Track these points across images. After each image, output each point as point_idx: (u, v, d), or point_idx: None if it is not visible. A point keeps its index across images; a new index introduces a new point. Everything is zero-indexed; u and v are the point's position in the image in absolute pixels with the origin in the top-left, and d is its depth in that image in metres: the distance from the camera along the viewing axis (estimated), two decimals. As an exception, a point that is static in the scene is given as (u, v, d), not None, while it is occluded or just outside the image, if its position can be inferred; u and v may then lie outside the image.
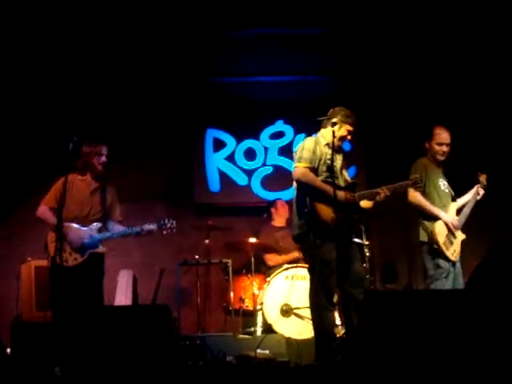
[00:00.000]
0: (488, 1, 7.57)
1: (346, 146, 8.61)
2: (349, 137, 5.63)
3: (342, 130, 5.58)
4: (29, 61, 8.12)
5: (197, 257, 7.55)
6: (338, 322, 6.84)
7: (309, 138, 5.67)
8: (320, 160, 5.47)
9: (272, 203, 8.15)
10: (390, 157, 8.55)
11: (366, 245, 7.44)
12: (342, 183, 5.55)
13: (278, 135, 8.93)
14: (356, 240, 7.27)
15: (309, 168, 5.41)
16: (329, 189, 5.30)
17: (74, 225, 5.77)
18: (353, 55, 8.53)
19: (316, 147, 5.50)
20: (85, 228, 5.82)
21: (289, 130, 8.88)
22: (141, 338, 4.40)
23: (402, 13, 7.76)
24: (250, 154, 8.88)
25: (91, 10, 7.51)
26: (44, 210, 5.88)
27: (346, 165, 5.82)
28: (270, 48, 8.37)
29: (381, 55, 8.48)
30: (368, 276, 7.38)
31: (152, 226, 5.97)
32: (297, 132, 8.78)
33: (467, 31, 8.03)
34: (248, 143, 8.89)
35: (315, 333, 5.46)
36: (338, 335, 6.47)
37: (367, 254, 7.42)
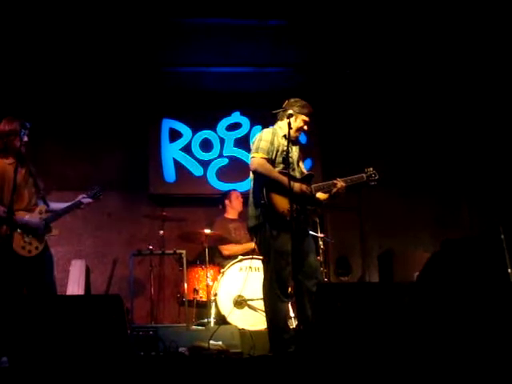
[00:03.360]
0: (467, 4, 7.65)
1: (302, 139, 8.69)
2: (305, 127, 5.64)
3: (299, 121, 5.58)
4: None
5: (151, 247, 7.50)
6: (291, 313, 6.87)
7: (266, 129, 5.67)
8: (277, 151, 5.47)
9: (226, 194, 8.11)
10: (345, 149, 8.62)
11: (321, 237, 7.48)
12: (298, 175, 5.55)
13: (235, 126, 8.92)
14: (311, 232, 7.33)
15: (266, 159, 5.41)
16: (285, 180, 5.26)
17: (26, 213, 5.56)
18: (310, 47, 8.52)
19: (274, 138, 5.50)
20: (34, 214, 5.60)
21: (245, 122, 8.87)
22: (93, 328, 4.35)
23: (359, 3, 7.77)
24: (206, 145, 8.85)
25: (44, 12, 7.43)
26: None
27: (302, 156, 5.83)
28: (228, 38, 8.32)
29: (337, 46, 8.48)
30: (322, 268, 7.42)
31: (89, 199, 5.81)
32: (253, 124, 8.78)
33: (433, 19, 8.07)
34: (204, 134, 8.86)
35: (268, 324, 5.47)
36: (291, 327, 6.51)
37: (321, 247, 7.47)
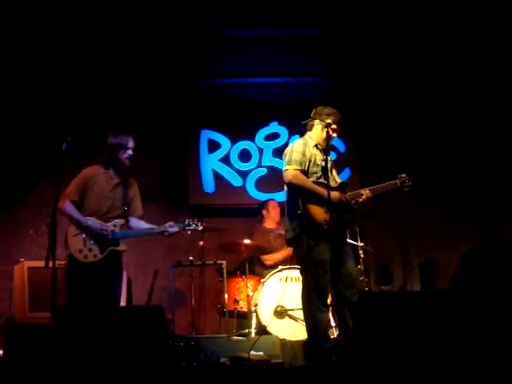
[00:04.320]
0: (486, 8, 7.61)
1: (341, 148, 8.68)
2: (334, 135, 5.60)
3: (326, 131, 5.56)
4: (24, 61, 8.10)
5: (191, 258, 7.54)
6: (332, 323, 6.83)
7: (297, 140, 5.71)
8: (310, 161, 5.47)
9: (263, 205, 8.09)
10: (384, 158, 8.56)
11: (361, 246, 7.43)
12: (332, 184, 5.49)
13: (273, 136, 8.92)
14: (350, 241, 7.28)
15: (299, 170, 5.42)
16: (320, 190, 5.31)
17: (96, 220, 5.56)
18: (348, 56, 8.55)
19: (305, 149, 5.50)
20: (108, 224, 5.60)
21: (283, 132, 8.87)
22: (135, 340, 4.38)
23: (397, 15, 7.77)
24: (245, 155, 8.87)
25: (85, 12, 7.51)
26: (67, 205, 5.55)
27: (335, 165, 5.81)
28: (266, 48, 8.38)
29: (376, 57, 8.50)
30: (362, 278, 7.37)
31: (175, 228, 5.77)
32: (291, 133, 8.77)
33: (461, 35, 8.06)
34: (243, 144, 8.88)
35: (308, 334, 5.47)
36: (332, 336, 6.47)
37: (361, 256, 7.42)
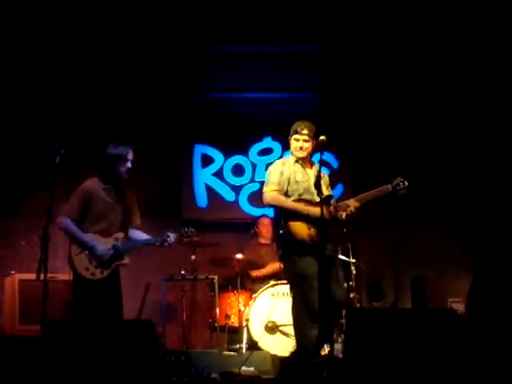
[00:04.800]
0: (473, 19, 7.68)
1: (333, 164, 8.71)
2: (300, 144, 5.53)
3: (292, 144, 5.58)
4: (18, 72, 8.12)
5: (183, 272, 7.54)
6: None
7: (276, 161, 5.78)
8: (289, 179, 5.49)
9: (256, 221, 8.11)
10: (377, 174, 8.55)
11: (353, 263, 7.43)
12: (317, 198, 5.38)
13: (267, 152, 8.94)
14: (342, 257, 7.29)
15: (277, 191, 5.46)
16: (299, 207, 5.37)
17: (98, 239, 5.51)
18: (341, 73, 8.62)
19: (283, 168, 5.54)
20: (109, 239, 5.56)
21: (277, 147, 8.89)
22: (125, 354, 4.37)
23: (389, 32, 7.83)
24: (238, 170, 8.88)
25: (75, 29, 7.55)
26: (69, 223, 5.47)
27: (324, 178, 5.68)
28: (260, 64, 8.42)
29: (369, 73, 8.56)
30: (354, 294, 7.37)
31: (175, 237, 5.74)
32: (285, 149, 8.74)
33: (452, 52, 8.14)
34: (236, 159, 8.90)
35: (297, 349, 5.46)
36: (323, 353, 6.47)
37: (353, 272, 7.42)
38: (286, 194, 5.48)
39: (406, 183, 5.56)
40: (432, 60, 8.39)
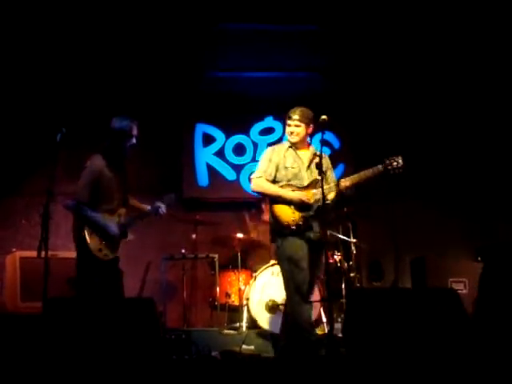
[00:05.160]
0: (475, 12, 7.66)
1: (335, 144, 8.69)
2: (289, 129, 5.65)
3: (286, 129, 5.74)
4: (19, 52, 8.08)
5: (183, 251, 7.55)
6: (323, 319, 6.86)
7: (268, 148, 5.94)
8: (277, 166, 5.62)
9: (261, 199, 8.09)
10: (378, 154, 8.52)
11: (353, 242, 7.45)
12: (305, 183, 5.59)
13: (268, 131, 8.92)
14: (342, 237, 7.32)
15: (262, 177, 5.62)
16: (283, 193, 5.51)
17: (108, 216, 5.50)
18: (343, 53, 8.57)
19: (272, 155, 5.69)
20: (114, 216, 5.56)
21: (278, 126, 8.84)
22: (126, 332, 4.39)
23: (391, 13, 7.80)
24: (240, 150, 8.86)
25: (79, 5, 7.51)
26: (80, 207, 5.39)
27: (318, 159, 5.56)
28: (261, 43, 8.39)
29: (370, 53, 8.53)
30: (354, 274, 7.40)
31: (163, 207, 5.77)
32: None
33: (453, 33, 8.11)
34: (237, 138, 8.86)
35: (291, 327, 5.49)
36: (322, 332, 6.51)
37: (354, 252, 7.44)
38: (275, 180, 5.62)
39: (400, 162, 5.51)
40: (433, 42, 8.36)
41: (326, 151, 8.29)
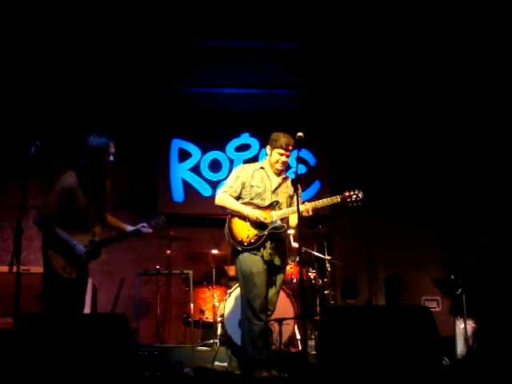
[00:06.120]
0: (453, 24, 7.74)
1: (311, 161, 8.73)
2: (283, 159, 5.71)
3: (274, 155, 5.74)
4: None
5: (158, 267, 7.53)
6: (297, 336, 6.85)
7: (239, 166, 6.05)
8: (243, 183, 5.73)
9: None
10: (354, 171, 8.60)
11: (328, 260, 7.46)
12: (266, 203, 5.67)
13: (244, 147, 8.92)
14: (317, 254, 7.34)
15: (227, 192, 5.73)
16: (242, 209, 5.62)
17: (77, 234, 5.39)
18: (320, 70, 8.60)
19: (241, 173, 5.79)
20: (86, 234, 5.46)
21: (254, 143, 8.87)
22: (98, 347, 4.35)
23: (367, 29, 7.84)
24: (215, 166, 8.86)
25: (51, 19, 7.49)
26: (46, 222, 5.30)
27: (290, 187, 5.81)
28: (237, 60, 8.39)
29: (347, 70, 8.56)
30: (328, 291, 7.40)
31: (148, 230, 5.70)
32: (262, 145, 8.77)
33: (434, 54, 8.19)
34: (213, 154, 8.86)
35: (242, 344, 5.58)
36: (295, 350, 6.53)
37: (328, 269, 7.45)
38: (239, 197, 5.73)
39: (360, 196, 5.60)
40: (412, 61, 8.42)
41: (302, 168, 8.35)
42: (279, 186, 5.74)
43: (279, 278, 5.71)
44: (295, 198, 5.55)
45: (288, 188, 5.77)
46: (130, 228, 5.74)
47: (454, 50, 8.13)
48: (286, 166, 5.85)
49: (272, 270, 5.60)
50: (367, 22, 7.74)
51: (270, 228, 5.54)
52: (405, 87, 8.73)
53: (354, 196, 5.59)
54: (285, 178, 5.80)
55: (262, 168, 5.78)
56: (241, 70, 8.57)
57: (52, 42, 7.84)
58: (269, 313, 5.63)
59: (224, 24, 7.71)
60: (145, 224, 5.72)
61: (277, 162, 5.71)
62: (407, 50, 8.22)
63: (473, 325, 6.60)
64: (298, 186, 5.39)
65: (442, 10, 7.51)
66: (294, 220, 5.63)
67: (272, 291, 5.64)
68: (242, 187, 5.72)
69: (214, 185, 8.75)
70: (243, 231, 5.58)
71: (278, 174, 5.78)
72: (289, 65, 8.42)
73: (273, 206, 5.63)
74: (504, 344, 4.50)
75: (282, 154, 5.67)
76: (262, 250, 5.52)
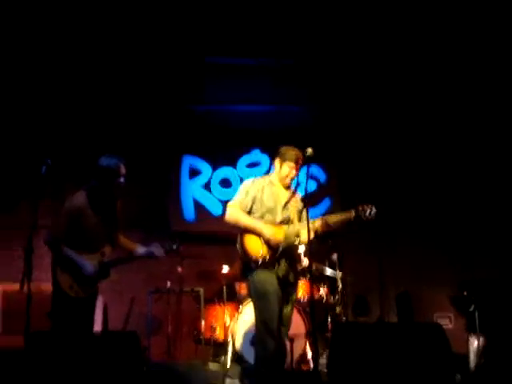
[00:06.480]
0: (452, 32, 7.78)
1: (321, 177, 8.71)
2: (294, 172, 5.65)
3: (284, 169, 5.65)
4: (3, 80, 8.09)
5: (169, 284, 7.52)
6: (309, 356, 6.81)
7: (248, 180, 5.87)
8: (254, 198, 5.59)
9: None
10: (364, 187, 8.59)
11: (339, 277, 7.43)
12: (278, 219, 5.58)
13: (255, 164, 8.93)
14: (328, 272, 7.31)
15: (238, 207, 5.58)
16: (254, 225, 5.48)
17: (87, 254, 5.40)
18: (329, 86, 8.63)
19: (251, 188, 5.64)
20: (96, 255, 5.46)
21: (265, 160, 8.87)
22: (109, 365, 4.35)
23: (374, 44, 7.88)
24: (226, 183, 8.86)
25: (61, 32, 7.54)
26: (55, 242, 5.35)
27: (296, 201, 5.77)
28: (249, 77, 8.43)
29: (356, 86, 8.61)
30: (339, 308, 7.37)
31: (162, 253, 5.69)
32: (272, 161, 8.78)
33: (435, 63, 8.23)
34: (224, 171, 8.87)
35: (255, 362, 5.50)
36: (306, 369, 6.50)
37: (339, 286, 7.42)
38: (250, 212, 5.59)
39: (374, 210, 5.52)
40: (414, 70, 8.46)
41: (312, 185, 8.33)
42: (289, 200, 5.67)
43: (293, 294, 5.65)
44: (304, 213, 5.58)
45: (297, 203, 5.73)
46: (141, 249, 5.73)
47: (451, 65, 8.17)
48: (295, 181, 5.76)
49: (286, 286, 5.51)
50: (372, 37, 7.79)
51: (284, 246, 5.46)
52: (415, 100, 8.74)
53: (368, 210, 5.51)
54: (293, 193, 5.73)
55: (270, 182, 5.70)
56: (251, 86, 8.61)
57: (64, 59, 7.92)
58: (283, 330, 5.53)
59: (233, 42, 7.77)
60: (158, 244, 5.71)
61: (287, 175, 5.64)
62: (411, 59, 8.27)
63: (483, 341, 6.56)
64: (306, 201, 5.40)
65: (435, 24, 7.57)
66: (304, 236, 5.57)
67: (287, 308, 5.56)
68: (253, 202, 5.58)
69: (225, 203, 8.75)
70: (257, 248, 5.43)
71: (287, 188, 5.72)
72: (298, 81, 8.46)
73: (285, 221, 5.56)
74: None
75: (292, 168, 5.62)
76: (276, 267, 5.42)
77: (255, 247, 5.44)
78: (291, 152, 5.63)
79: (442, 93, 8.62)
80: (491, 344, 5.24)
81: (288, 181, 5.68)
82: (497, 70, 8.35)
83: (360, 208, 5.53)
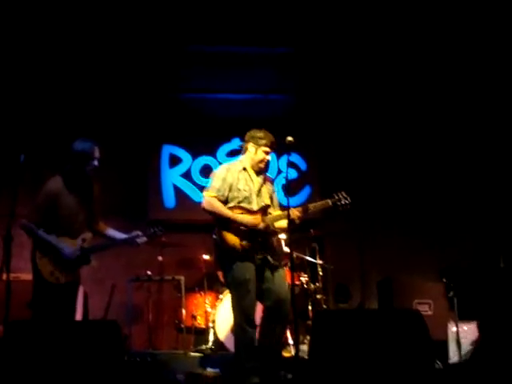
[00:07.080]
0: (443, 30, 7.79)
1: (301, 165, 8.71)
2: (267, 157, 5.61)
3: (259, 153, 5.60)
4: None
5: (149, 273, 7.50)
6: (290, 341, 6.83)
7: (221, 166, 5.81)
8: (231, 186, 5.52)
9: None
10: (345, 176, 8.60)
11: (319, 264, 7.46)
12: (255, 207, 5.51)
13: (235, 153, 8.90)
14: (309, 259, 7.33)
15: (216, 197, 5.49)
16: (234, 216, 5.41)
17: (66, 239, 5.39)
18: (310, 75, 8.62)
19: (227, 174, 5.56)
20: (76, 240, 5.45)
21: (245, 148, 8.85)
22: (90, 354, 4.33)
23: (360, 35, 7.88)
24: (206, 171, 8.83)
25: (40, 24, 7.47)
26: (32, 227, 5.32)
27: (269, 186, 5.77)
28: (229, 66, 8.40)
29: (337, 75, 8.60)
30: (320, 296, 7.40)
31: (144, 238, 5.67)
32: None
33: (426, 59, 8.25)
34: (204, 160, 8.85)
35: (235, 350, 5.47)
36: (288, 355, 6.50)
37: (320, 274, 7.45)
38: (226, 201, 5.51)
39: (349, 199, 5.57)
40: (404, 64, 8.47)
41: (293, 173, 8.32)
42: (261, 186, 5.64)
43: (281, 273, 5.53)
44: (274, 197, 5.63)
45: (268, 187, 5.72)
46: (122, 236, 5.71)
47: (445, 63, 8.20)
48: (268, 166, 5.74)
49: (268, 268, 5.45)
50: (359, 28, 7.79)
51: (263, 234, 5.45)
52: (396, 93, 8.78)
53: (343, 199, 5.55)
54: (264, 178, 5.69)
55: (244, 169, 5.62)
56: (231, 75, 8.58)
57: (40, 48, 7.84)
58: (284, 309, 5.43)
59: (214, 30, 7.73)
60: (139, 232, 5.68)
61: (262, 160, 5.59)
62: (399, 57, 8.27)
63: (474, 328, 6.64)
64: (274, 184, 5.45)
65: (433, 19, 7.57)
66: (281, 222, 5.53)
67: (281, 288, 5.45)
68: (229, 190, 5.51)
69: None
70: (236, 237, 5.38)
71: (258, 173, 5.66)
72: (280, 70, 8.45)
73: (262, 210, 5.52)
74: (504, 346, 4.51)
75: (267, 153, 5.59)
76: (255, 256, 5.40)
77: (234, 237, 5.39)
78: (267, 137, 5.58)
79: (423, 85, 8.65)
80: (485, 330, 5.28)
81: (262, 165, 5.62)
82: (489, 67, 8.38)
83: (336, 197, 5.57)
